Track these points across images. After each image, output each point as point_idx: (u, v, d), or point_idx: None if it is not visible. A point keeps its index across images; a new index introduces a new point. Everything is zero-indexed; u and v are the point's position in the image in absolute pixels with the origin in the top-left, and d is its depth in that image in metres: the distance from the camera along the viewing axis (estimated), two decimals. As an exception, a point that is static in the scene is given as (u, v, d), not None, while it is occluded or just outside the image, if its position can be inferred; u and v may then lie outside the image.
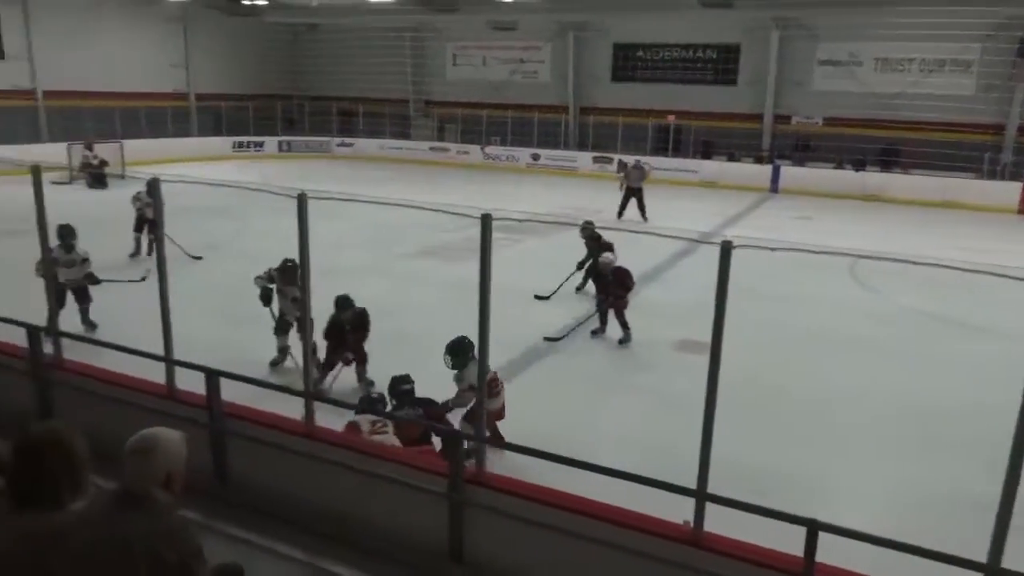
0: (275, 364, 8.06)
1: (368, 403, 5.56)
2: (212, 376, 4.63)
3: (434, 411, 5.66)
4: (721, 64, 28.11)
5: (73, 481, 2.46)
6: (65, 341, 5.64)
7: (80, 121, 25.19)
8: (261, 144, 31.07)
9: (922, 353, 9.29)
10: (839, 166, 25.38)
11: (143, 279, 8.43)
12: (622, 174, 18.59)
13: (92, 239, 13.23)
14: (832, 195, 23.71)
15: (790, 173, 25.50)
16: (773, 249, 3.96)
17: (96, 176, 20.93)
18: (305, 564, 4.10)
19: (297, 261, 6.57)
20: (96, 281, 8.83)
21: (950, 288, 10.94)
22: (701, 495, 3.64)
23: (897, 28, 23.74)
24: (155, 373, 5.10)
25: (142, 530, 2.34)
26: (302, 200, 4.35)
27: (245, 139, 30.84)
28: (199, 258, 9.84)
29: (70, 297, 8.56)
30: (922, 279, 11.36)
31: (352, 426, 5.16)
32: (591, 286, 10.68)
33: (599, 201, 21.14)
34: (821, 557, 3.34)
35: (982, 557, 3.17)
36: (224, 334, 8.64)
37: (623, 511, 3.89)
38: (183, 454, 2.55)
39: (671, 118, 28.42)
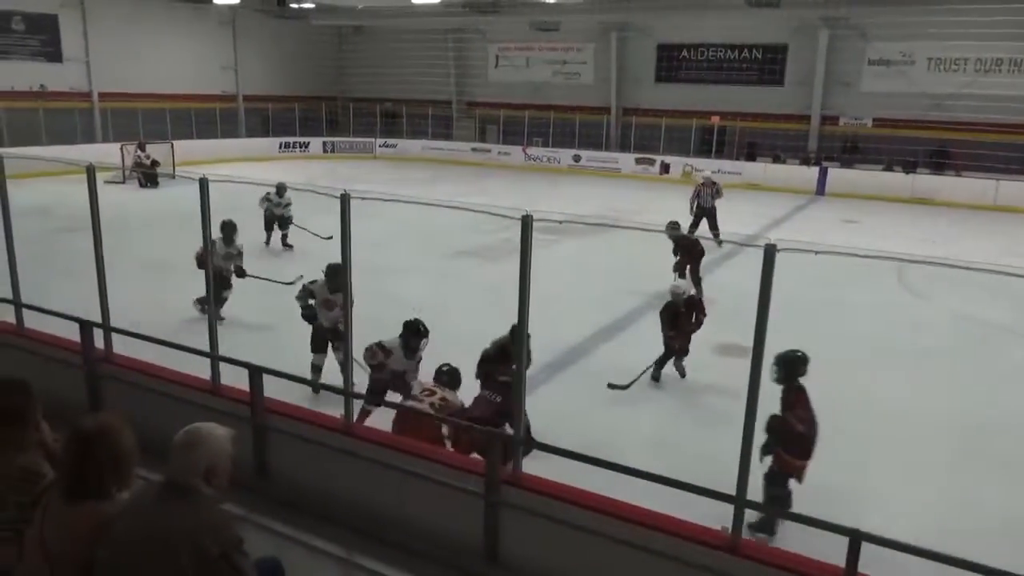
0: (317, 389, 6.96)
1: (439, 373, 5.74)
2: (255, 372, 4.72)
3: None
4: (767, 64, 27.66)
5: (119, 472, 2.53)
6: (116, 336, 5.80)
7: (133, 122, 25.94)
8: (306, 145, 31.57)
9: (975, 363, 9.02)
10: (888, 168, 24.77)
11: (292, 283, 8.53)
12: (692, 192, 15.89)
13: (145, 236, 13.57)
14: (880, 198, 23.17)
15: (837, 175, 24.97)
16: (817, 252, 3.88)
17: (148, 176, 21.53)
18: (341, 560, 4.15)
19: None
20: (243, 274, 9.34)
21: (1004, 295, 10.59)
22: (740, 502, 3.59)
23: (951, 27, 23.05)
24: (201, 368, 5.22)
25: (185, 522, 2.40)
26: (345, 200, 4.40)
27: (291, 140, 31.38)
28: (329, 238, 9.47)
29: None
30: (975, 285, 11.02)
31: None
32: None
33: (639, 201, 21.02)
34: (864, 570, 3.26)
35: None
36: (267, 331, 8.80)
37: (659, 515, 3.86)
38: (227, 450, 2.59)
39: (715, 119, 28.05)
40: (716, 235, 14.74)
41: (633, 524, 3.79)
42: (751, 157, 27.24)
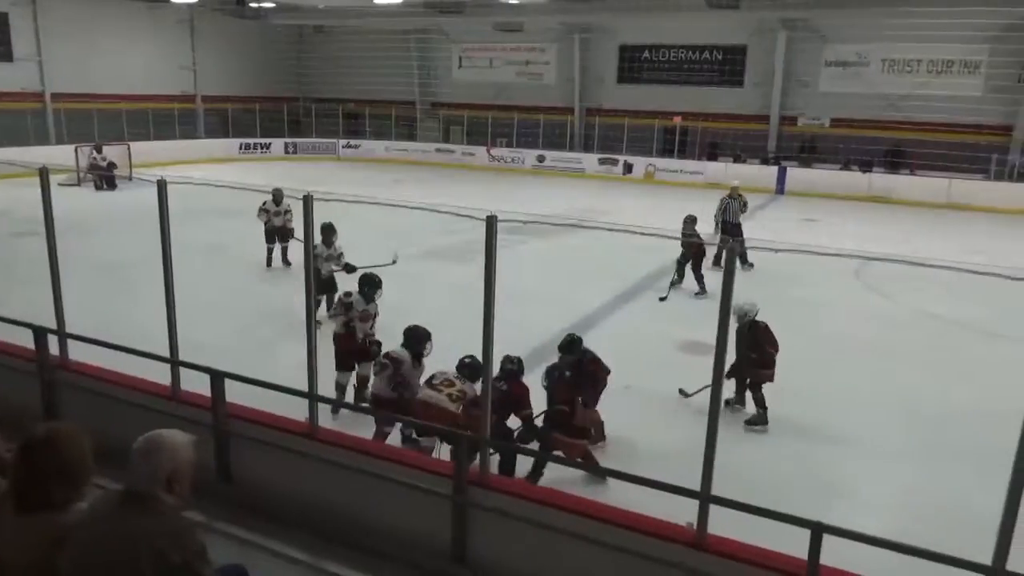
0: (337, 409, 6.65)
1: (460, 364, 5.90)
2: (217, 378, 4.65)
3: (520, 395, 5.79)
4: (727, 65, 28.05)
5: (67, 482, 2.46)
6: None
7: (88, 123, 25.34)
8: (268, 146, 31.17)
9: (931, 357, 9.24)
10: (845, 167, 25.30)
11: (394, 262, 8.68)
12: (719, 204, 14.01)
13: (102, 239, 13.28)
14: (838, 196, 23.65)
15: (796, 174, 25.44)
16: (777, 251, 3.95)
17: (106, 178, 21.04)
18: (308, 565, 4.10)
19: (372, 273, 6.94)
20: (352, 269, 9.16)
21: (959, 291, 10.87)
22: (705, 497, 3.63)
23: (905, 29, 23.65)
24: (160, 374, 5.12)
25: (146, 530, 2.35)
26: (308, 201, 4.36)
27: (251, 141, 30.95)
28: (393, 262, 8.75)
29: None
30: (930, 282, 11.32)
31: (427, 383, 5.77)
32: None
33: (605, 202, 21.17)
34: (827, 560, 3.33)
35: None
36: (228, 334, 8.66)
37: (626, 513, 3.89)
38: (189, 456, 2.54)
39: (677, 119, 28.38)
40: (744, 256, 12.82)
41: (599, 522, 3.82)
42: (712, 157, 27.60)
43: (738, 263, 12.70)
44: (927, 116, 24.27)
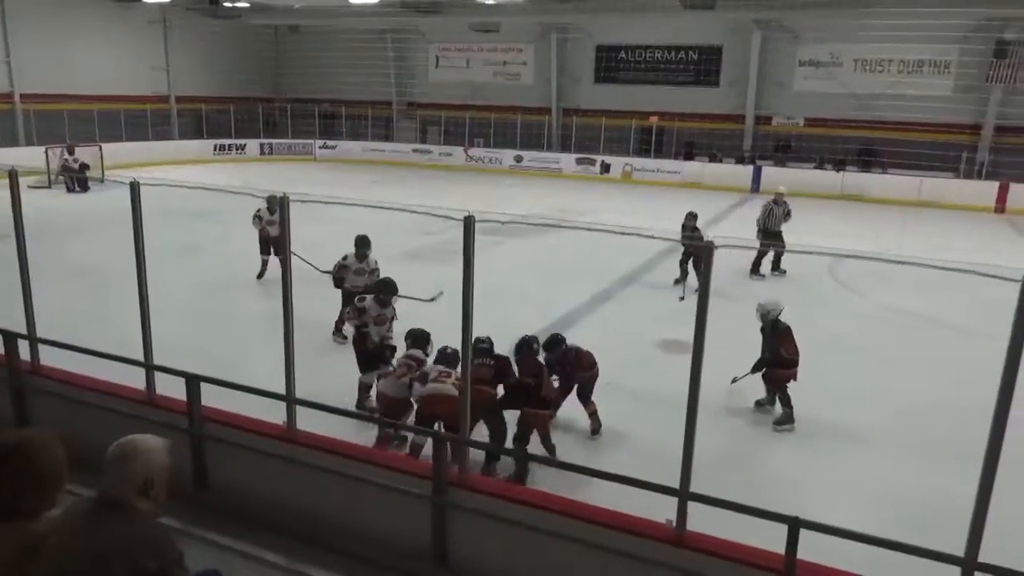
0: (364, 406, 7.02)
1: (443, 355, 6.20)
2: (192, 381, 4.60)
3: (504, 365, 6.20)
4: (703, 65, 28.27)
5: (38, 491, 2.42)
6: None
7: (58, 124, 24.91)
8: (243, 147, 30.87)
9: (904, 353, 9.38)
10: (819, 166, 25.61)
11: (433, 299, 7.80)
12: (762, 210, 13.48)
13: (75, 242, 13.08)
14: (813, 195, 23.89)
15: (771, 173, 25.67)
16: (753, 249, 3.98)
17: (79, 180, 20.70)
18: (286, 570, 4.07)
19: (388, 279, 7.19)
20: (386, 289, 8.06)
21: (931, 287, 11.05)
22: (684, 494, 3.65)
23: (877, 30, 24.00)
24: (135, 378, 5.05)
25: (121, 538, 2.31)
26: (284, 202, 4.33)
27: (226, 142, 30.63)
28: (433, 299, 8.10)
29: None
30: (902, 278, 11.50)
31: (422, 375, 5.95)
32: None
33: (583, 202, 21.23)
34: (805, 554, 3.37)
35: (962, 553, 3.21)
36: (203, 337, 8.57)
37: (606, 511, 3.90)
38: (165, 461, 2.51)
39: (653, 119, 28.56)
40: (777, 262, 13.10)
41: (580, 521, 3.83)
42: (689, 156, 27.80)
43: (770, 268, 12.98)
44: (898, 115, 24.65)
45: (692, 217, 12.13)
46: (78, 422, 4.69)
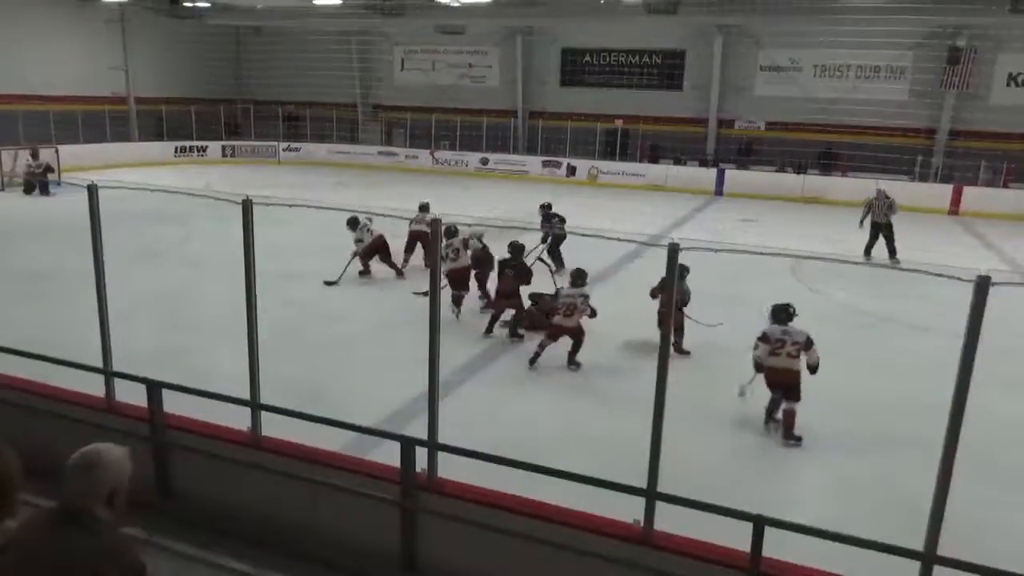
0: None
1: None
2: (154, 388, 4.52)
3: (545, 303, 8.84)
4: (667, 69, 28.58)
5: None
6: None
7: (12, 126, 24.22)
8: (204, 149, 30.39)
9: (862, 351, 9.57)
10: (781, 169, 26.06)
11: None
12: (864, 207, 15.43)
13: (31, 246, 12.73)
14: (775, 197, 24.33)
15: (734, 176, 26.07)
16: (717, 251, 4.05)
17: (40, 183, 20.15)
18: (252, 577, 4.02)
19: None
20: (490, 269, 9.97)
21: (888, 287, 11.31)
22: (651, 494, 3.69)
23: (835, 36, 24.48)
24: (94, 385, 4.95)
25: (83, 549, 2.27)
26: (247, 206, 4.28)
27: (188, 144, 30.13)
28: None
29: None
30: (861, 278, 11.74)
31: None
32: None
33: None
34: (769, 551, 3.42)
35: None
36: (167, 343, 8.42)
37: (574, 512, 3.92)
38: (127, 470, 2.47)
39: (619, 122, 28.80)
40: (892, 252, 14.25)
41: (548, 522, 3.84)
42: (654, 159, 28.07)
43: (887, 255, 13.84)
44: (856, 120, 25.20)
45: (549, 206, 13.37)
46: (34, 430, 4.57)
